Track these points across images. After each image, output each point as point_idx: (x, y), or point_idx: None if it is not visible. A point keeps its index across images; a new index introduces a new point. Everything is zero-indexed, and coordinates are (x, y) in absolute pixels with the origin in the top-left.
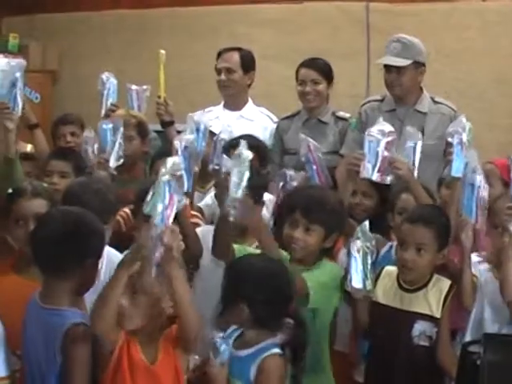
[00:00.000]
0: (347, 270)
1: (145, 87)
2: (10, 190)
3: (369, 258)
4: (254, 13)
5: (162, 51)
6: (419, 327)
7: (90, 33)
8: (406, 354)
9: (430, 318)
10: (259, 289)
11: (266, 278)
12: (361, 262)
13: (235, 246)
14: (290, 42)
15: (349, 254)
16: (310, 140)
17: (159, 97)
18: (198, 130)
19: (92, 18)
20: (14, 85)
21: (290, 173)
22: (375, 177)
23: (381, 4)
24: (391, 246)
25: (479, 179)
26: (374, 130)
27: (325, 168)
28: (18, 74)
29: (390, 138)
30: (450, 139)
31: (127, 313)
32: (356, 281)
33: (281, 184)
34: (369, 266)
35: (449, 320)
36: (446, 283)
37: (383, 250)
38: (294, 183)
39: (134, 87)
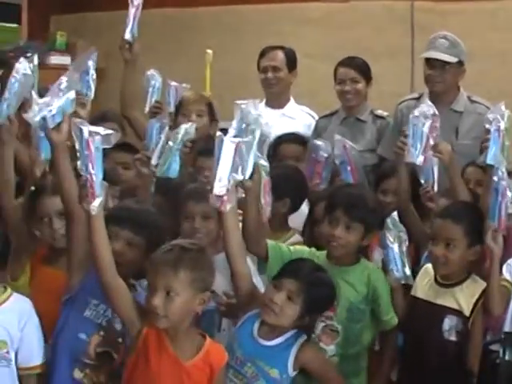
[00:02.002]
0: (385, 263)
1: (184, 85)
2: (33, 188)
3: (403, 245)
4: (300, 11)
5: (209, 51)
6: (449, 322)
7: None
8: (436, 348)
9: (459, 314)
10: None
11: (333, 292)
12: (397, 250)
13: (268, 241)
14: (334, 40)
15: (384, 246)
16: (346, 140)
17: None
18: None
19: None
20: (87, 73)
21: (319, 143)
22: (419, 160)
23: (426, 3)
24: None
25: (504, 185)
26: (418, 112)
27: (360, 169)
28: (90, 63)
29: (433, 121)
30: (487, 126)
31: (160, 312)
32: (396, 270)
33: (312, 155)
34: (404, 254)
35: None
36: (481, 285)
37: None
38: (323, 153)
39: (173, 83)
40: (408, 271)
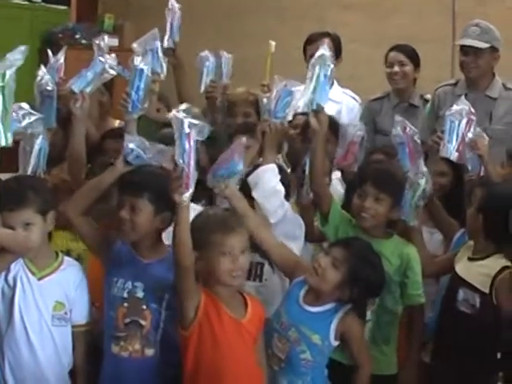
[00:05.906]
0: None
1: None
2: None
3: (418, 192)
4: None
5: (272, 42)
6: (462, 294)
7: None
8: (450, 318)
9: (472, 288)
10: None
11: (379, 277)
12: (409, 196)
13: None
14: (377, 26)
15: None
16: (407, 123)
17: (264, 85)
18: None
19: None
20: (156, 52)
21: (355, 124)
22: (454, 156)
23: None
24: (464, 232)
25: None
26: (454, 110)
27: (419, 153)
28: (157, 43)
29: (469, 118)
30: None
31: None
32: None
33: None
34: (415, 200)
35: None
36: (499, 262)
37: (456, 236)
38: (359, 133)
39: (224, 53)
40: (412, 219)
